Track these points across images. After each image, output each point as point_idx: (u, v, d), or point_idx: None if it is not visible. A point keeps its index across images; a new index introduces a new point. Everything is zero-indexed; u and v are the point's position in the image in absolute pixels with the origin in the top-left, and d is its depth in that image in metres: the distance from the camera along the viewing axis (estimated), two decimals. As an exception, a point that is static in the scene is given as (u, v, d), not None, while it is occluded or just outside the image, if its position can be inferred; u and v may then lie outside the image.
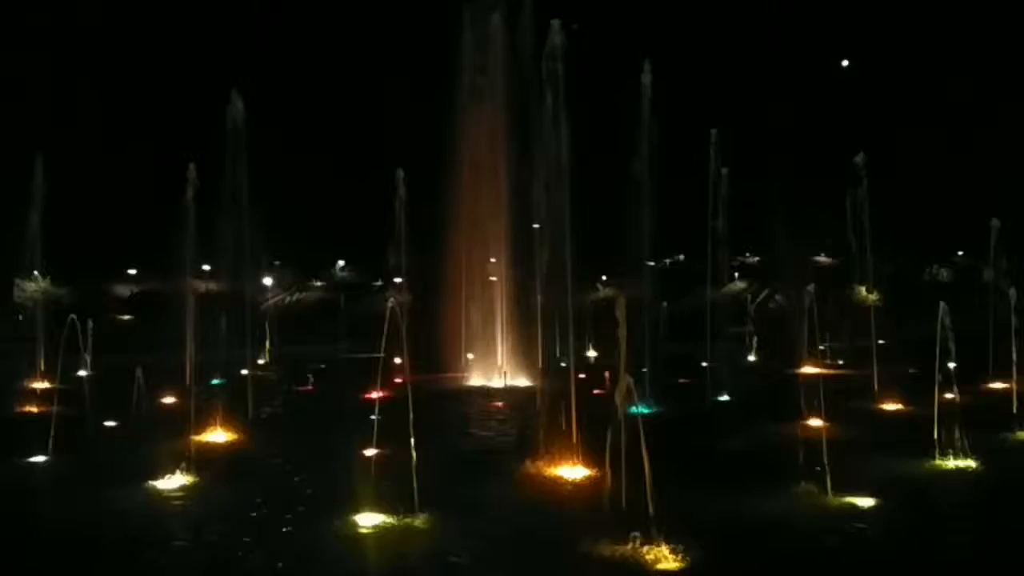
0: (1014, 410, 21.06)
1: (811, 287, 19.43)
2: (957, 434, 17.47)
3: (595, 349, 37.40)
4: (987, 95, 64.85)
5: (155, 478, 16.25)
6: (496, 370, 31.25)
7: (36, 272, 40.69)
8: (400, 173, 34.40)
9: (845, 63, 74.82)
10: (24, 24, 59.16)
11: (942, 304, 18.54)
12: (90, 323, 31.22)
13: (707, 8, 69.55)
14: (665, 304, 38.00)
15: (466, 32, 33.67)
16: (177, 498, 15.57)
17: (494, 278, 33.86)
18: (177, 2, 64.90)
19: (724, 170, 29.58)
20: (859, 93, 66.74)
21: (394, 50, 59.91)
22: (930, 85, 66.54)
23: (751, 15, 69.24)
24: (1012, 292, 23.71)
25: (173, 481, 16.21)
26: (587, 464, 16.41)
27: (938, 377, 18.93)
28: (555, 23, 21.39)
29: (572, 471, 16.54)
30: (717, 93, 60.10)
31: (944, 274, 68.76)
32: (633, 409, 13.25)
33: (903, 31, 67.72)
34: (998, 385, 26.11)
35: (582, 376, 22.29)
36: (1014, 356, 23.02)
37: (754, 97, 63.10)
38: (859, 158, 30.56)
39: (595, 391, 24.27)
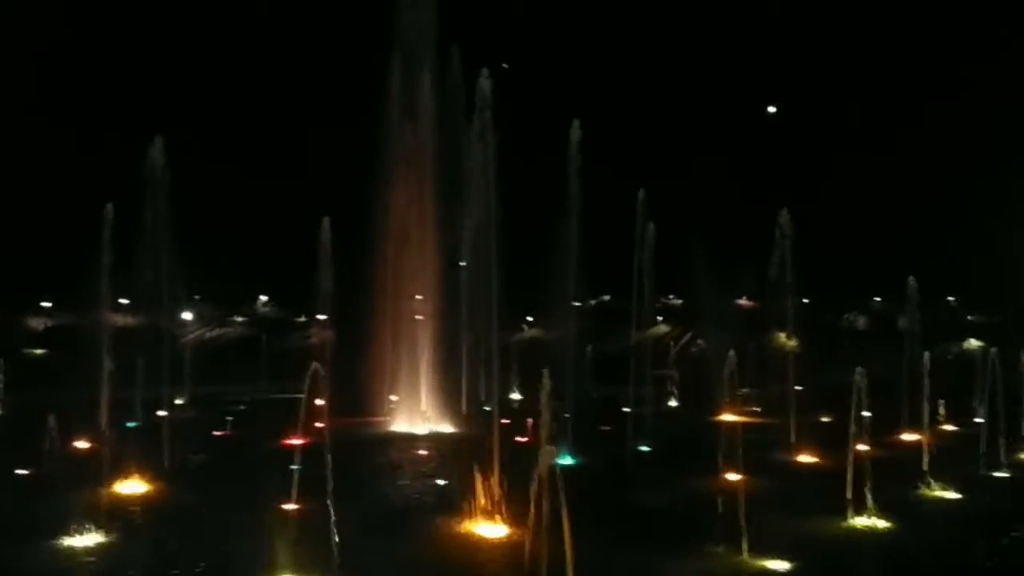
0: (925, 465, 21.61)
1: (732, 354, 19.82)
2: (869, 492, 17.88)
3: (519, 391, 37.42)
4: (907, 143, 67.01)
5: (66, 534, 15.79)
6: (420, 415, 31.04)
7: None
8: (326, 220, 34.05)
9: (772, 109, 76.78)
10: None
11: (858, 368, 18.98)
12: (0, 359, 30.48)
13: (637, 49, 70.83)
14: (590, 348, 38.34)
15: (395, 74, 33.72)
16: (88, 558, 15.12)
17: (420, 316, 33.69)
18: (104, 36, 63.78)
19: (650, 223, 30.06)
20: (783, 140, 68.45)
21: (320, 85, 59.68)
22: (851, 134, 68.59)
23: (678, 58, 70.62)
24: (927, 356, 24.43)
25: (85, 539, 15.77)
26: (509, 522, 16.42)
27: (852, 429, 19.35)
28: (484, 75, 21.63)
29: (493, 529, 16.53)
30: (644, 138, 61.19)
31: (861, 321, 70.47)
32: (556, 461, 13.31)
33: (828, 84, 69.77)
34: (910, 437, 26.82)
35: (505, 421, 22.35)
36: (926, 414, 23.71)
37: (679, 142, 64.33)
38: (782, 215, 31.28)
39: (518, 438, 24.32)
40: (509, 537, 16.08)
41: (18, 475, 21.67)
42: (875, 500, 17.89)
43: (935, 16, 67.34)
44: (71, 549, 15.47)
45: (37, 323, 63.05)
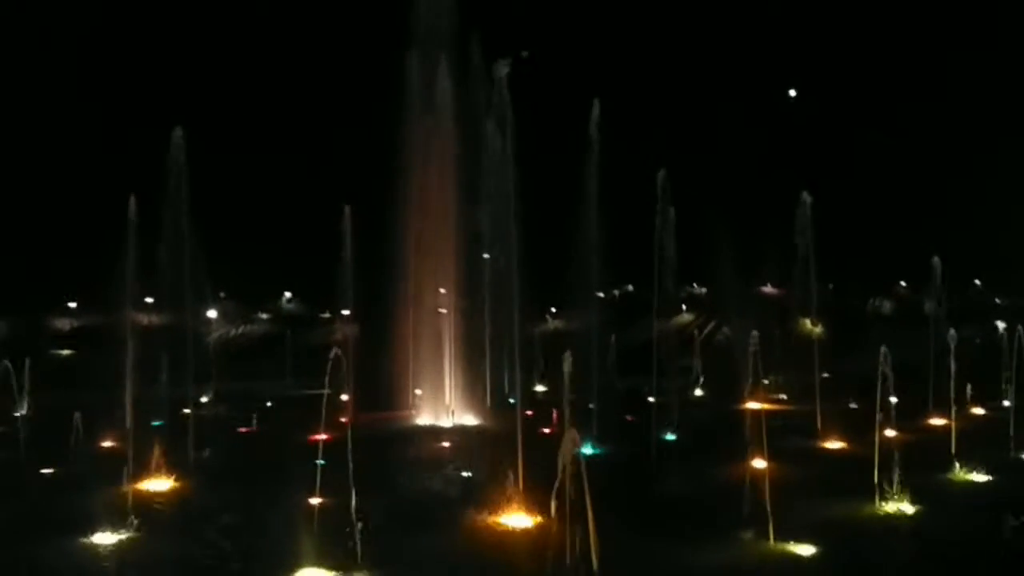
0: (952, 450, 21.38)
1: (755, 334, 19.57)
2: (896, 477, 17.69)
3: (543, 383, 37.27)
4: (931, 127, 66.29)
5: (91, 532, 15.87)
6: (444, 408, 30.97)
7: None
8: (347, 209, 34.06)
9: (792, 93, 76.11)
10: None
11: (883, 348, 18.79)
12: (27, 360, 30.61)
13: (657, 36, 70.50)
14: (613, 339, 38.13)
15: (414, 66, 33.61)
16: (113, 555, 15.19)
17: (443, 310, 33.63)
18: (127, 31, 64.08)
19: (671, 208, 29.84)
20: (805, 125, 67.90)
21: (342, 80, 59.68)
22: (873, 119, 67.97)
23: (701, 43, 70.22)
24: (952, 334, 24.17)
25: (110, 536, 15.83)
26: (534, 513, 16.35)
27: (879, 415, 19.18)
28: (501, 66, 21.53)
29: (519, 520, 16.46)
30: (666, 125, 60.88)
31: (887, 306, 69.80)
32: (581, 450, 13.26)
33: (849, 65, 69.17)
34: (937, 421, 26.56)
35: (529, 413, 22.20)
36: (952, 395, 23.46)
37: (701, 129, 63.99)
38: (804, 197, 30.98)
39: (543, 429, 24.27)
40: (536, 527, 16.01)
41: (46, 473, 21.84)
42: (903, 485, 17.69)
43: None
44: (97, 546, 15.55)
45: (63, 323, 63.42)
